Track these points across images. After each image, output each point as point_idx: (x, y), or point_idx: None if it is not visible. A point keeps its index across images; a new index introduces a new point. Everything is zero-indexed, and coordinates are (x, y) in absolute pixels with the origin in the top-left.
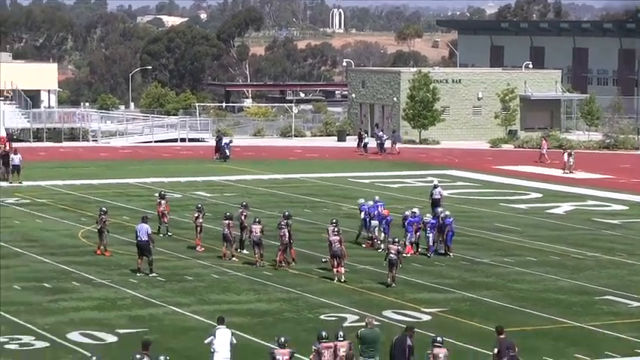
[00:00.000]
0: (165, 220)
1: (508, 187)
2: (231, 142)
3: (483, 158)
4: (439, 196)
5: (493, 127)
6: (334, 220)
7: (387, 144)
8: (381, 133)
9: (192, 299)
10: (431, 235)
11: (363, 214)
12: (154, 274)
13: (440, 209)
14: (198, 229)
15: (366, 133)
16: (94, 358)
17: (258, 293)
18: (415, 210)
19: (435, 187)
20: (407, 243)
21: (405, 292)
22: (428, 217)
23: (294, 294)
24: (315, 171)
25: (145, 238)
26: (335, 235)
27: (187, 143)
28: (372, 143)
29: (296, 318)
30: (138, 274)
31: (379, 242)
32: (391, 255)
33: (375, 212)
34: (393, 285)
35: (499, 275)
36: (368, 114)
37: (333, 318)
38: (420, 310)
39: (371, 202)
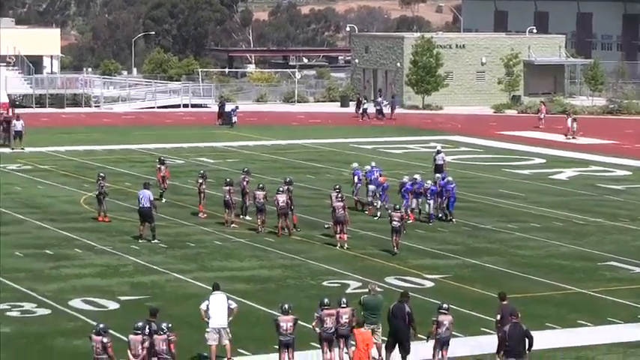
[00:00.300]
0: (165, 185)
1: (511, 153)
2: (237, 108)
3: (487, 124)
4: (442, 162)
5: (496, 93)
6: (337, 186)
7: (387, 110)
8: (380, 99)
9: (194, 266)
10: (431, 201)
11: (356, 178)
12: (156, 241)
13: (438, 175)
14: (202, 195)
15: (365, 98)
16: (102, 325)
17: (260, 260)
18: (416, 176)
19: (438, 152)
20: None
21: (407, 258)
22: (429, 184)
23: (296, 260)
24: (318, 137)
25: (147, 204)
26: (338, 201)
27: (190, 109)
28: (372, 109)
29: (298, 285)
30: (140, 241)
31: (377, 209)
32: (394, 222)
33: (372, 177)
34: (396, 251)
35: (502, 241)
36: (371, 79)
37: (336, 285)
38: (422, 277)
39: (368, 167)
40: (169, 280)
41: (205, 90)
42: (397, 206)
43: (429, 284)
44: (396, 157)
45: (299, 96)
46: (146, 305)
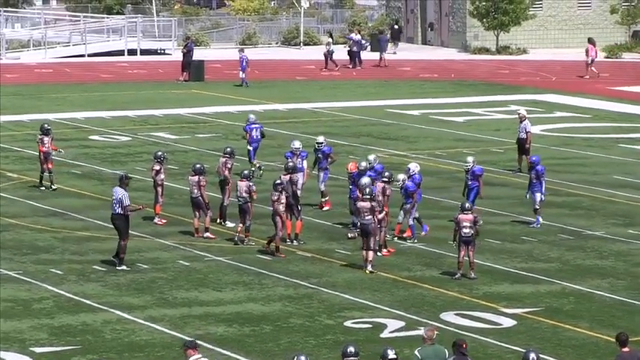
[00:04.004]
0: (50, 165)
1: (632, 119)
2: (244, 60)
3: (595, 75)
4: (525, 135)
5: (609, 28)
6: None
7: (368, 53)
8: (356, 35)
9: (147, 299)
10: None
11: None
12: (124, 267)
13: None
14: (159, 190)
15: (331, 37)
16: None
17: (249, 288)
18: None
19: (521, 120)
20: (400, 218)
21: (475, 283)
22: (469, 165)
23: (305, 289)
24: (337, 97)
25: (119, 210)
26: (364, 199)
27: (139, 57)
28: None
29: (308, 326)
30: (123, 267)
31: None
32: (464, 230)
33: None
34: (473, 275)
35: (620, 255)
36: (417, 9)
37: (366, 326)
38: (498, 312)
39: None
40: (109, 321)
41: (163, 28)
42: (467, 205)
43: (507, 323)
44: (456, 127)
45: (307, 35)
46: None
